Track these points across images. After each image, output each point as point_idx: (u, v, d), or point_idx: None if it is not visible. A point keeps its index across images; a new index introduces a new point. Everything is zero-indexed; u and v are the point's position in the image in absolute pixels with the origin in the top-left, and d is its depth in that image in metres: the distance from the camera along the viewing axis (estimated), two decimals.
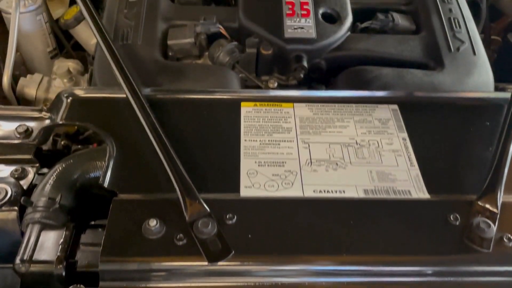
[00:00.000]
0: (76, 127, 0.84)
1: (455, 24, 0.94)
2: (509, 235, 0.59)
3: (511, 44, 1.18)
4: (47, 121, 0.74)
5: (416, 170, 0.67)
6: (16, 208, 0.64)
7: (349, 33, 0.92)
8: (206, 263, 0.55)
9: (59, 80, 0.93)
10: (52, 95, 0.92)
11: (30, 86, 0.90)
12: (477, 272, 0.57)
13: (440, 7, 0.97)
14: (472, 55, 0.91)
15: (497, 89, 0.96)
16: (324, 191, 0.64)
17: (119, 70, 0.73)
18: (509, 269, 0.57)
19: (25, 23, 0.95)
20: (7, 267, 0.65)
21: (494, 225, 0.59)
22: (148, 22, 0.89)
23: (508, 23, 1.37)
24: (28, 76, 0.92)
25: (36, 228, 0.61)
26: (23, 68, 1.01)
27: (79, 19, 1.05)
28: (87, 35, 1.07)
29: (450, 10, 0.97)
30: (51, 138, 0.76)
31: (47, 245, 0.61)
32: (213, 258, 0.55)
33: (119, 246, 0.56)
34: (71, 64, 0.96)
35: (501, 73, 0.99)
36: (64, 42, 1.11)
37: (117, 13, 0.91)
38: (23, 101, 0.93)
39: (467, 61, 0.89)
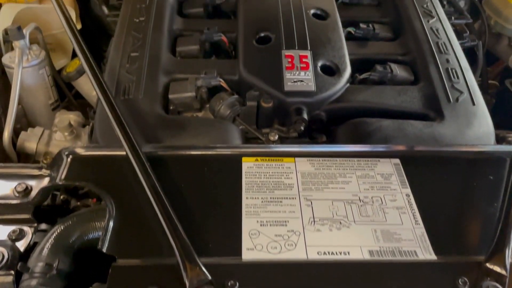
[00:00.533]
0: None
1: (453, 75, 0.95)
2: None
3: (509, 90, 1.19)
4: (47, 179, 0.73)
5: (421, 229, 0.66)
6: (12, 272, 0.63)
7: (348, 84, 0.93)
8: None
9: (60, 134, 0.93)
10: (52, 149, 0.92)
11: (30, 140, 0.90)
12: None
13: (437, 58, 0.98)
14: (471, 105, 0.91)
15: (498, 137, 0.96)
16: (328, 253, 0.63)
17: (120, 127, 0.73)
18: None
19: (28, 77, 0.96)
20: None
21: None
22: (149, 76, 0.90)
23: (504, 67, 1.39)
24: (29, 129, 0.92)
25: None
26: (24, 120, 1.02)
27: (81, 71, 1.06)
28: (88, 87, 1.08)
29: (448, 61, 0.98)
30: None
31: None
32: None
33: None
34: (72, 117, 0.97)
35: (499, 119, 0.99)
36: (66, 93, 1.12)
37: (119, 67, 0.92)
38: (23, 155, 0.92)
39: (467, 112, 0.90)
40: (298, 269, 0.61)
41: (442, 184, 0.73)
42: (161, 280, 0.57)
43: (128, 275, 0.58)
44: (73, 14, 1.13)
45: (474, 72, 1.06)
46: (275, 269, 0.60)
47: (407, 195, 0.71)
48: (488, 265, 0.60)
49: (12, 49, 1.01)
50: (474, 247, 0.64)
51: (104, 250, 0.61)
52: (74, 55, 1.21)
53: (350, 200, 0.70)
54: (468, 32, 1.15)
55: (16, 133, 0.94)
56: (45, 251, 0.64)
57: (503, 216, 0.65)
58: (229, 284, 0.57)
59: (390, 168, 0.75)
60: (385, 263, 0.62)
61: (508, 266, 0.60)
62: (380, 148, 0.79)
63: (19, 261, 0.64)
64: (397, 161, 0.76)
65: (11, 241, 0.67)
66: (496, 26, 1.27)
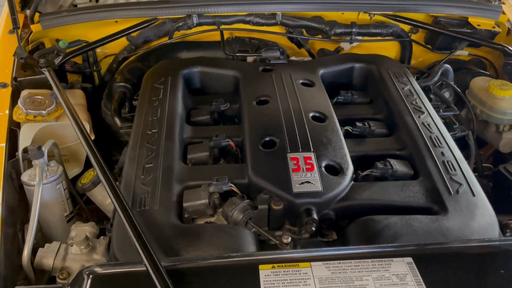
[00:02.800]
0: None
1: (450, 167, 1.01)
2: None
3: (503, 175, 1.24)
4: None
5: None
6: None
7: (352, 182, 0.98)
8: None
9: (76, 247, 0.94)
10: (69, 263, 0.93)
11: (48, 256, 0.92)
12: None
13: (432, 151, 1.04)
14: (471, 196, 0.95)
15: (501, 224, 0.98)
16: None
17: (139, 241, 0.76)
18: None
19: (46, 193, 1.00)
20: None
21: None
22: (164, 186, 0.95)
23: (494, 150, 1.46)
24: (46, 245, 0.94)
25: None
26: (39, 234, 1.04)
27: (96, 182, 1.11)
28: (102, 196, 1.12)
29: (443, 154, 1.05)
30: None
31: None
32: None
33: None
34: (88, 229, 0.99)
35: (497, 203, 1.02)
36: (80, 203, 1.15)
37: (135, 179, 0.96)
38: (39, 272, 0.93)
39: (468, 203, 0.94)
40: None
41: (456, 281, 0.75)
42: None
43: None
44: (87, 127, 1.21)
45: (467, 159, 1.12)
46: None
47: None
48: None
49: (29, 166, 1.06)
50: None
51: None
52: (86, 164, 1.26)
53: None
54: (457, 124, 1.23)
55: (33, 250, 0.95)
56: None
57: None
58: None
59: (404, 267, 0.77)
60: None
61: None
62: (392, 248, 0.82)
63: None
64: (410, 259, 0.78)
65: None
66: (482, 114, 1.37)
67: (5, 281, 0.81)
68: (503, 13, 1.59)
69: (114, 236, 0.88)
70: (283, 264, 0.78)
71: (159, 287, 0.69)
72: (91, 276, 0.75)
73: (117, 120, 1.27)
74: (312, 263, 0.78)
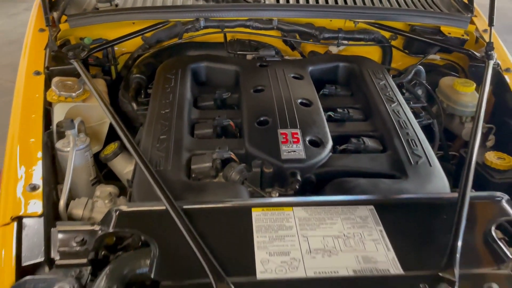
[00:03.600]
0: (114, 238, 1.04)
1: (412, 144, 1.21)
2: None
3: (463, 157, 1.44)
4: (100, 232, 0.93)
5: (392, 254, 0.87)
6: None
7: (330, 154, 1.19)
8: None
9: (101, 202, 1.14)
10: (95, 215, 1.12)
11: (78, 207, 1.11)
12: None
13: (399, 132, 1.25)
14: (429, 167, 1.15)
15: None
16: (322, 272, 0.82)
17: (159, 187, 0.96)
18: None
19: (76, 159, 1.19)
20: None
21: None
22: (175, 153, 1.15)
23: (463, 142, 1.66)
24: (76, 199, 1.13)
25: None
26: (69, 194, 1.23)
27: (116, 153, 1.31)
28: (121, 166, 1.32)
29: (407, 134, 1.25)
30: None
31: None
32: None
33: None
34: (110, 189, 1.19)
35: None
36: (97, 173, 1.35)
37: (151, 147, 1.17)
38: (70, 220, 1.12)
39: (426, 172, 1.14)
40: (300, 285, 0.80)
41: (407, 222, 0.95)
42: None
43: None
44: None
45: (432, 143, 1.33)
46: (282, 284, 0.79)
47: (380, 231, 0.92)
48: (442, 274, 0.80)
49: (60, 138, 1.27)
50: (432, 264, 0.84)
51: (152, 276, 0.80)
52: (105, 143, 1.46)
53: (337, 235, 0.91)
54: (423, 113, 1.44)
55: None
56: (104, 280, 0.83)
57: (452, 241, 0.86)
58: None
59: (366, 212, 0.97)
60: (365, 277, 0.81)
61: (457, 275, 0.79)
62: (358, 197, 1.02)
63: None
64: (372, 207, 0.98)
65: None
66: (448, 108, 1.58)
67: (48, 220, 1.00)
68: (472, 23, 1.82)
69: (135, 190, 1.08)
70: (271, 208, 0.98)
71: (177, 220, 0.88)
72: (117, 212, 0.95)
73: (134, 105, 1.48)
74: (294, 208, 0.98)
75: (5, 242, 0.93)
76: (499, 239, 0.92)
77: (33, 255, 0.91)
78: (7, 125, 1.26)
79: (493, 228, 0.92)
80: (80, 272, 0.88)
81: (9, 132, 1.27)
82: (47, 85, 1.42)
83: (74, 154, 1.15)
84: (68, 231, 0.94)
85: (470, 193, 0.98)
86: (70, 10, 1.74)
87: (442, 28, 1.77)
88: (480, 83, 1.44)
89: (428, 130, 1.42)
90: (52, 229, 0.96)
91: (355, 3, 1.83)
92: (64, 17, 1.68)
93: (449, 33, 1.76)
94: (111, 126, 1.42)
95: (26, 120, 1.26)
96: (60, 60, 1.51)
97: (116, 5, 1.76)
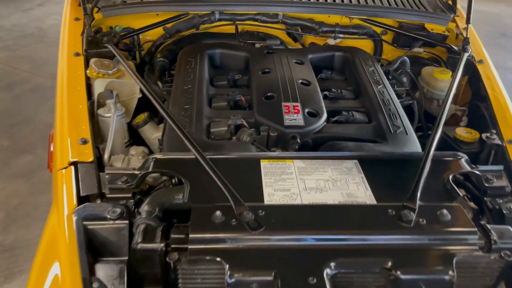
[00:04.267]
0: (148, 185, 1.29)
1: (393, 117, 1.46)
2: (423, 219, 1.01)
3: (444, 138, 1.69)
4: (140, 174, 1.18)
5: (369, 192, 1.12)
6: (126, 221, 1.06)
7: (325, 123, 1.44)
8: (249, 232, 0.96)
9: (135, 158, 1.38)
10: None
11: (117, 161, 1.35)
12: (403, 238, 0.98)
13: (382, 108, 1.50)
14: (405, 135, 1.40)
15: None
16: (315, 202, 1.07)
17: (187, 139, 1.20)
18: (421, 237, 0.99)
19: (114, 123, 1.44)
20: (117, 260, 1.04)
21: (414, 214, 1.02)
22: (197, 119, 1.40)
23: None
24: (115, 155, 1.38)
25: (143, 226, 1.02)
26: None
27: (146, 121, 1.56)
28: (150, 132, 1.57)
29: (390, 109, 1.50)
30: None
31: (150, 236, 1.01)
32: (252, 230, 0.96)
33: (199, 227, 0.98)
34: (142, 148, 1.44)
35: None
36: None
37: (177, 115, 1.42)
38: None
39: (402, 139, 1.39)
40: (297, 208, 1.05)
41: (382, 171, 1.20)
42: (222, 211, 1.00)
43: (201, 210, 1.02)
44: (137, 89, 1.66)
45: (412, 121, 1.58)
46: (284, 207, 1.05)
47: (362, 177, 1.17)
48: (406, 204, 1.05)
49: (99, 107, 1.52)
50: (399, 198, 1.08)
51: (186, 200, 1.05)
52: (134, 116, 1.71)
53: (327, 179, 1.16)
54: (404, 94, 1.70)
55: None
56: (147, 205, 1.08)
57: (416, 180, 1.11)
58: (259, 212, 1.01)
59: (351, 164, 1.23)
60: (348, 205, 1.06)
61: (417, 205, 1.04)
62: (345, 154, 1.27)
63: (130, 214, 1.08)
64: (356, 161, 1.23)
65: None
66: (428, 93, 1.83)
67: (96, 167, 1.25)
68: (454, 21, 2.07)
69: (165, 145, 1.32)
70: (275, 159, 1.23)
71: (203, 163, 1.13)
72: (154, 159, 1.20)
73: (160, 83, 1.73)
74: (294, 160, 1.23)
75: (67, 179, 1.18)
76: (463, 195, 1.17)
77: (88, 190, 1.16)
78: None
79: (450, 176, 1.17)
80: (126, 202, 1.13)
81: (57, 101, 1.52)
82: (86, 65, 1.67)
83: (114, 118, 1.41)
84: (114, 173, 1.19)
85: (436, 152, 1.23)
86: (101, 3, 2.00)
87: (426, 25, 2.02)
88: (454, 70, 1.70)
89: (406, 108, 1.67)
90: (101, 173, 1.21)
91: (350, 1, 2.09)
92: (95, 9, 1.94)
93: (432, 30, 2.01)
94: (138, 101, 1.68)
95: (72, 91, 1.51)
96: (95, 44, 1.76)
97: None
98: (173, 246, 0.99)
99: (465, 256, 0.98)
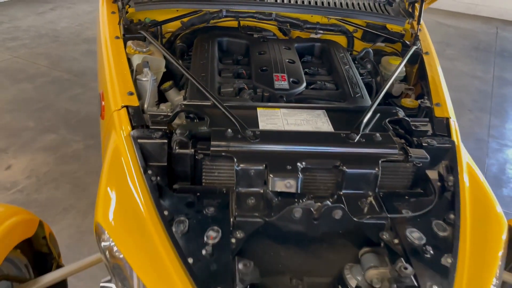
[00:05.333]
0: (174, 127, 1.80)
1: (354, 87, 2.00)
2: (363, 139, 1.54)
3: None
4: (171, 112, 1.70)
5: (330, 127, 1.65)
6: (165, 140, 1.57)
7: (304, 89, 1.97)
8: (249, 142, 1.48)
9: (164, 109, 1.90)
10: None
11: (151, 111, 1.87)
12: (348, 149, 1.51)
13: (347, 81, 2.04)
14: (362, 98, 1.94)
15: None
16: (293, 130, 1.60)
17: (206, 91, 1.72)
18: (360, 148, 1.52)
19: (150, 88, 1.96)
20: (160, 165, 1.55)
21: (357, 136, 1.55)
22: (211, 83, 1.92)
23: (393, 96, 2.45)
24: (151, 108, 1.90)
25: (178, 140, 1.54)
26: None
27: (171, 87, 2.08)
28: (173, 95, 2.09)
29: (352, 82, 2.04)
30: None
31: (184, 146, 1.53)
32: (251, 140, 1.48)
33: (217, 139, 1.50)
34: (169, 104, 1.96)
35: None
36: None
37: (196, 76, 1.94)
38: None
39: (359, 100, 1.92)
40: (280, 131, 1.58)
41: (341, 116, 1.74)
42: (232, 130, 1.53)
43: (218, 131, 1.54)
44: (163, 64, 2.18)
45: (371, 94, 2.12)
46: (271, 131, 1.57)
47: (326, 119, 1.70)
48: (351, 132, 1.58)
49: (137, 75, 2.03)
50: (350, 129, 1.61)
51: (207, 127, 1.57)
52: (160, 83, 2.22)
53: (302, 119, 1.69)
54: (366, 74, 2.25)
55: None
56: (180, 129, 1.60)
57: (361, 119, 1.64)
58: (256, 132, 1.53)
59: (320, 112, 1.76)
60: (315, 132, 1.59)
61: (360, 132, 1.57)
62: (316, 105, 1.81)
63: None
64: (324, 110, 1.76)
65: None
66: (385, 75, 2.37)
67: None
68: (412, 24, 2.63)
69: (188, 97, 1.84)
70: (267, 108, 1.76)
71: (219, 106, 1.64)
72: (182, 105, 1.72)
73: (180, 62, 2.25)
74: (280, 109, 1.76)
75: (122, 116, 1.69)
76: (398, 143, 1.70)
77: (137, 122, 1.67)
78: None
79: (387, 120, 1.70)
80: (163, 130, 1.64)
81: (106, 69, 2.03)
82: (124, 46, 2.19)
83: (150, 80, 1.93)
84: (154, 114, 1.70)
85: (380, 106, 1.77)
86: (132, 2, 2.53)
87: (388, 25, 2.58)
88: (410, 61, 2.26)
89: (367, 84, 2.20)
90: (144, 115, 1.72)
91: (329, 4, 2.64)
92: (127, 6, 2.47)
93: (392, 29, 2.57)
94: (163, 74, 2.20)
95: (117, 63, 2.03)
96: (129, 31, 2.29)
97: None
98: (200, 152, 1.50)
99: (388, 163, 1.51)
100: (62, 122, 4.02)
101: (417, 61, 2.40)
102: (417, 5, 2.71)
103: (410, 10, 2.75)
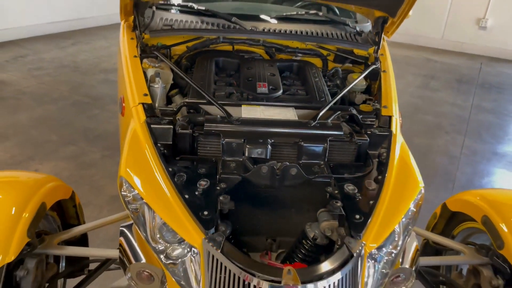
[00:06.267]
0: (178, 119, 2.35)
1: (320, 94, 2.54)
2: (318, 124, 2.07)
3: None
4: (178, 106, 2.24)
5: (296, 117, 2.18)
6: (171, 126, 2.11)
7: (281, 94, 2.51)
8: (233, 124, 2.01)
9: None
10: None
11: (161, 107, 2.42)
12: (307, 131, 2.04)
13: (315, 89, 2.58)
14: (325, 102, 2.47)
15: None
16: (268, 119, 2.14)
17: (203, 91, 2.27)
18: (315, 131, 2.05)
19: (160, 90, 2.51)
20: (165, 143, 2.08)
21: (314, 122, 2.08)
22: (208, 89, 2.48)
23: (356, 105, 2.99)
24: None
25: (181, 124, 2.08)
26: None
27: (177, 93, 2.64)
28: (178, 100, 2.64)
29: (320, 90, 2.58)
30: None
31: (185, 128, 2.06)
32: (235, 122, 2.02)
33: (209, 122, 2.03)
34: (175, 105, 2.51)
35: None
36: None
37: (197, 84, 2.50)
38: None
39: (323, 103, 2.46)
40: (258, 119, 2.11)
41: (305, 112, 2.27)
42: (220, 117, 2.06)
43: (211, 118, 2.08)
44: (171, 77, 2.75)
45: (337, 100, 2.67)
46: (252, 119, 2.11)
47: (295, 113, 2.24)
48: (311, 120, 2.11)
49: (150, 83, 2.60)
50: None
51: (203, 117, 2.12)
52: (168, 92, 2.78)
53: (276, 113, 2.23)
54: (332, 86, 2.80)
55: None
56: (182, 118, 2.14)
57: (319, 112, 2.17)
58: (239, 118, 2.06)
59: (290, 109, 2.30)
60: (284, 119, 2.12)
61: (317, 120, 2.10)
62: (287, 104, 2.35)
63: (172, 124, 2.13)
64: (293, 108, 2.30)
65: None
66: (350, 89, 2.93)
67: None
68: (377, 50, 3.21)
69: (190, 98, 2.39)
70: (249, 105, 2.30)
71: (213, 102, 2.20)
72: (184, 102, 2.27)
73: (184, 76, 2.83)
74: (260, 106, 2.30)
75: (139, 111, 2.23)
76: (346, 128, 2.21)
77: (150, 114, 2.22)
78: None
79: (340, 112, 2.23)
80: (170, 120, 2.18)
81: (127, 79, 2.60)
82: (140, 62, 2.78)
83: (160, 87, 2.49)
84: (163, 109, 2.26)
85: (338, 105, 2.30)
86: (147, 30, 3.14)
87: (354, 50, 3.16)
88: (372, 78, 2.82)
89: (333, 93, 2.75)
90: (155, 110, 2.27)
91: (307, 33, 3.24)
92: (143, 33, 3.08)
93: (358, 53, 3.15)
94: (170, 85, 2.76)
95: (136, 74, 2.60)
96: (144, 52, 2.89)
97: (171, 27, 3.16)
98: (196, 132, 2.04)
99: (337, 142, 2.03)
100: (81, 136, 4.59)
101: (378, 78, 2.96)
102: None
103: (376, 39, 3.35)
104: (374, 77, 2.94)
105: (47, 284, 2.07)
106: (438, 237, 2.31)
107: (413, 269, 1.82)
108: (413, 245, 1.90)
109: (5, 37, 7.76)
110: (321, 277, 1.50)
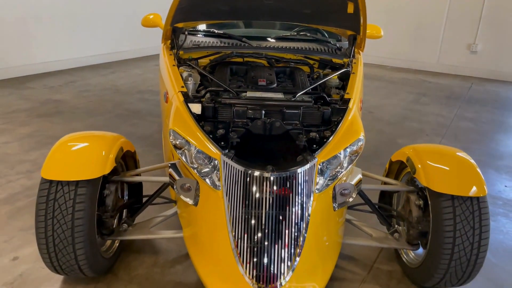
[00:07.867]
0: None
1: (304, 86, 3.63)
2: (296, 99, 3.16)
3: None
4: (205, 91, 3.37)
5: (282, 97, 3.27)
6: (200, 103, 3.23)
7: (275, 86, 3.61)
8: (238, 97, 3.12)
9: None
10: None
11: (193, 94, 3.53)
12: (289, 103, 3.14)
13: (300, 84, 3.68)
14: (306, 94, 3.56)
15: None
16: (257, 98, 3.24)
17: (222, 83, 3.40)
18: (295, 102, 3.14)
19: (191, 86, 3.63)
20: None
21: (294, 97, 3.17)
22: (223, 83, 3.61)
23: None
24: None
25: (206, 101, 3.20)
26: None
27: (203, 89, 3.77)
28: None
29: (303, 84, 3.68)
30: None
31: (209, 102, 3.18)
32: (238, 95, 3.13)
33: (222, 98, 3.15)
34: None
35: None
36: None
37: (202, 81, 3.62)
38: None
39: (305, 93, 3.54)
40: (257, 97, 3.21)
41: (290, 94, 3.36)
42: (228, 94, 3.17)
43: (226, 96, 3.20)
44: (198, 79, 3.89)
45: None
46: (253, 96, 3.21)
47: (282, 94, 3.34)
48: (292, 97, 3.20)
49: (184, 81, 3.73)
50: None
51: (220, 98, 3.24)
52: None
53: (269, 97, 3.33)
54: (312, 82, 3.89)
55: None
56: (207, 98, 3.26)
57: (298, 94, 3.26)
58: (245, 95, 3.17)
59: (280, 93, 3.39)
60: (273, 97, 3.22)
61: (296, 97, 3.19)
62: (279, 92, 3.45)
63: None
64: (282, 93, 3.40)
65: None
66: (327, 85, 4.00)
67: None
68: (348, 60, 4.31)
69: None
70: (252, 91, 3.41)
71: (228, 88, 3.31)
72: (209, 89, 3.39)
73: (209, 78, 3.97)
74: (260, 92, 3.40)
75: (179, 94, 3.36)
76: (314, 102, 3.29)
77: (187, 97, 3.34)
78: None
79: (314, 97, 3.32)
80: (200, 99, 3.30)
81: (169, 80, 3.76)
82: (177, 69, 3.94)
83: (192, 84, 3.64)
84: (195, 95, 3.39)
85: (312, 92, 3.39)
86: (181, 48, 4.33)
87: (333, 60, 4.27)
88: (344, 79, 3.92)
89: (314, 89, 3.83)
90: (190, 95, 3.41)
91: (297, 48, 4.38)
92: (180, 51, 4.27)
93: (335, 61, 4.26)
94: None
95: (176, 77, 3.75)
96: (180, 62, 4.06)
97: (198, 45, 4.34)
98: (216, 103, 3.15)
99: (308, 109, 3.11)
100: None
101: (349, 78, 4.06)
102: (356, 49, 4.42)
103: (350, 52, 4.46)
104: (347, 78, 4.03)
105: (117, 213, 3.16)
106: (384, 178, 3.33)
107: (355, 187, 2.84)
108: (358, 175, 2.93)
109: (57, 67, 9.24)
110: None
